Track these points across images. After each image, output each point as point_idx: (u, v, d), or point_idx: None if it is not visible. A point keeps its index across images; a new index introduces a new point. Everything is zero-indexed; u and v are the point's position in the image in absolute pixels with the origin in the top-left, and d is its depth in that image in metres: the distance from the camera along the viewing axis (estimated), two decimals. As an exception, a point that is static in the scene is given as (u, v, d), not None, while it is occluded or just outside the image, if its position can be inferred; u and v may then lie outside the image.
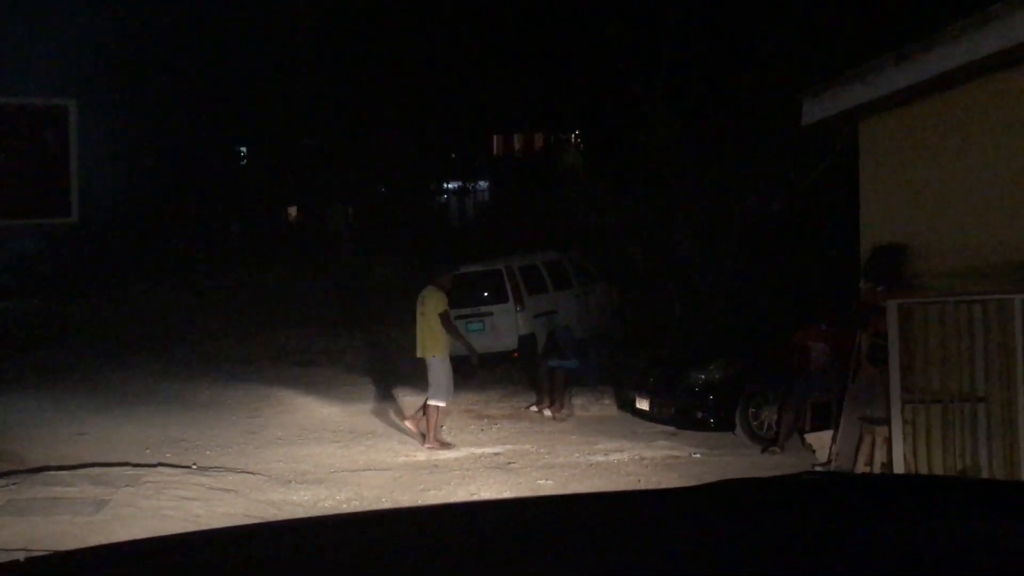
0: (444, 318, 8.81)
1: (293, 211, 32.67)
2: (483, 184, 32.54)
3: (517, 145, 33.05)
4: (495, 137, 33.36)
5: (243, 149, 32.21)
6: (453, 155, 32.21)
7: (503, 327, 13.17)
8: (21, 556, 1.59)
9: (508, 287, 13.29)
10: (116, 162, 22.31)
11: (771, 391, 8.38)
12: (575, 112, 26.35)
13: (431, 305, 8.87)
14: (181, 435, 9.13)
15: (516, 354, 13.10)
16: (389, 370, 14.13)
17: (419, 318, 9.00)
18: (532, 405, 11.07)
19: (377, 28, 26.51)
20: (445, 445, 8.75)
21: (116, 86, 24.76)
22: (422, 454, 8.49)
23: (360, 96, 27.31)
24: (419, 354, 9.05)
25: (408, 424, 9.21)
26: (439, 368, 8.81)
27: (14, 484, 6.35)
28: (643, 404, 9.39)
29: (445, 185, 32.49)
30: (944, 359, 5.77)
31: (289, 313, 19.74)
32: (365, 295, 20.34)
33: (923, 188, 6.72)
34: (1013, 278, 5.83)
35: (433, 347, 8.82)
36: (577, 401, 10.83)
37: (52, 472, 6.82)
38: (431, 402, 8.78)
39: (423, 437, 8.82)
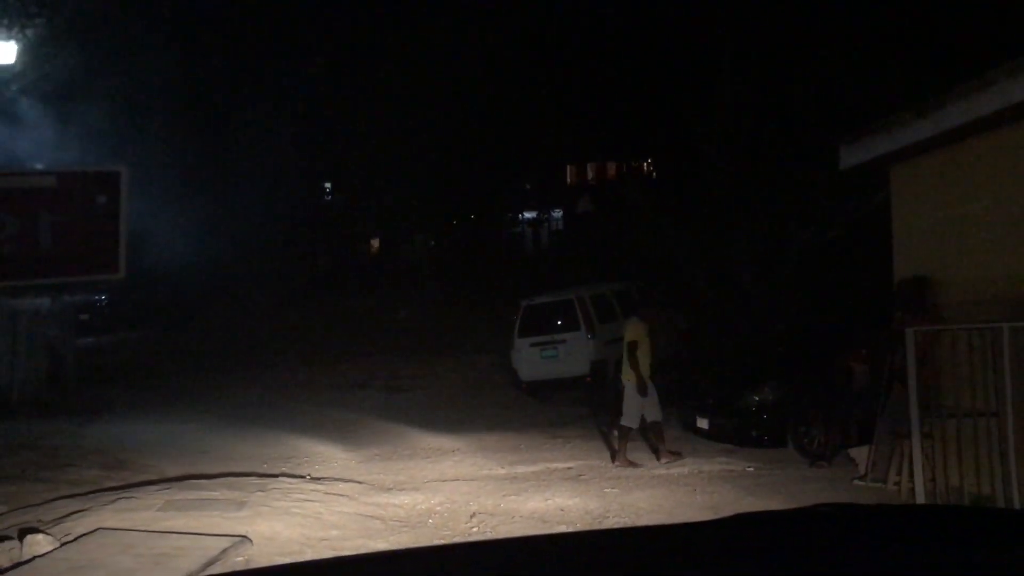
0: (631, 347, 9.52)
1: (375, 243, 34.44)
2: (557, 213, 33.76)
3: (590, 174, 34.16)
4: (569, 167, 34.55)
5: (328, 184, 34.21)
6: (528, 186, 33.54)
7: (576, 353, 14.28)
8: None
9: (580, 316, 14.41)
10: (208, 199, 24.33)
11: (819, 410, 9.27)
12: (645, 142, 27.38)
13: (628, 334, 9.65)
14: (291, 453, 10.51)
15: (589, 379, 14.18)
16: (470, 394, 15.39)
17: (628, 347, 9.66)
18: (603, 426, 12.12)
19: (456, 66, 27.96)
20: (631, 464, 9.34)
21: (211, 127, 26.90)
22: (501, 467, 9.62)
23: (439, 130, 28.74)
24: (622, 378, 9.77)
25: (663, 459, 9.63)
26: (631, 393, 9.48)
27: (166, 489, 7.76)
28: (703, 424, 10.37)
29: (521, 215, 33.80)
30: (956, 379, 6.67)
31: (375, 341, 21.28)
32: (448, 324, 21.70)
33: (944, 227, 7.62)
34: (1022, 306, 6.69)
35: (627, 373, 9.54)
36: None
37: (194, 480, 8.23)
38: (622, 423, 9.55)
39: (613, 454, 9.64)
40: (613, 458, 9.62)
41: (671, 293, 16.31)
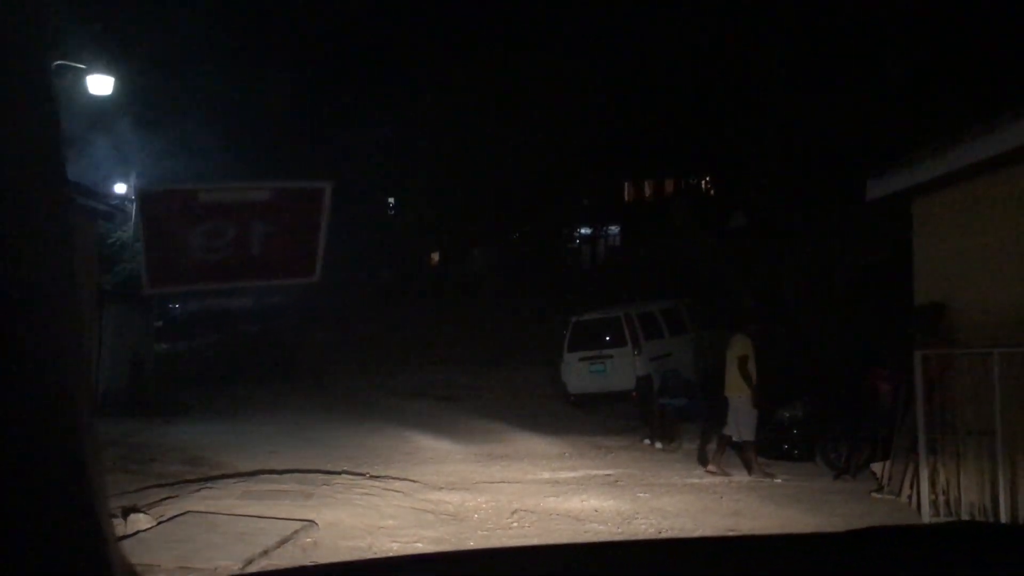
0: (741, 361, 9.88)
1: (435, 256, 35.58)
2: (614, 229, 34.44)
3: (647, 191, 34.76)
4: (626, 183, 35.20)
5: (391, 199, 35.49)
6: (585, 201, 34.28)
7: (622, 369, 15.03)
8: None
9: (627, 333, 15.16)
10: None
11: (845, 426, 9.88)
12: (701, 161, 27.90)
13: (735, 349, 9.98)
14: (352, 454, 11.48)
15: (635, 394, 14.90)
16: (521, 405, 16.25)
17: (727, 361, 10.09)
18: (646, 439, 12.84)
19: (518, 83, 28.79)
20: (768, 475, 9.67)
21: (284, 143, 28.32)
22: (545, 472, 10.44)
23: (500, 146, 29.62)
24: (726, 393, 10.08)
25: (711, 468, 10.15)
26: (745, 408, 9.81)
27: (243, 482, 8.78)
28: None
29: (578, 231, 34.57)
30: (963, 400, 7.28)
31: (433, 352, 22.31)
32: (503, 336, 22.60)
33: (959, 257, 8.22)
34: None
35: (737, 387, 9.91)
36: (685, 435, 12.52)
37: (266, 475, 9.24)
38: (743, 438, 9.84)
39: (748, 469, 9.84)
40: (749, 471, 9.84)
41: (720, 311, 16.95)
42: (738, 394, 9.95)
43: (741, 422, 9.92)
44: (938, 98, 12.16)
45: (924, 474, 7.33)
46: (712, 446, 10.51)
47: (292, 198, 4.78)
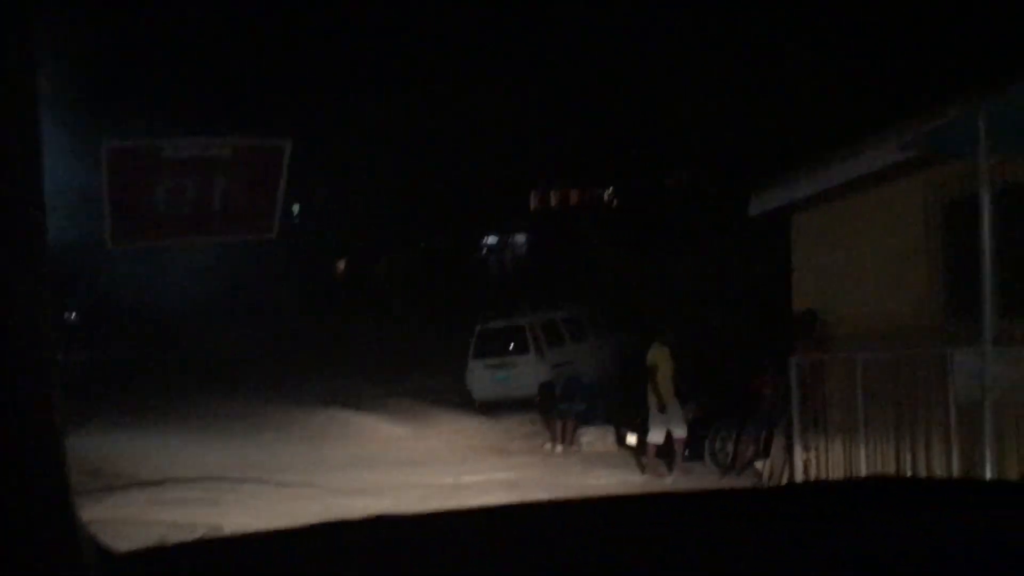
0: (651, 371, 10.52)
1: (341, 265, 35.51)
2: (521, 238, 35.08)
3: (553, 201, 35.53)
4: (532, 193, 35.88)
5: (296, 207, 35.26)
6: (492, 211, 34.81)
7: (525, 376, 15.54)
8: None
9: (530, 341, 15.69)
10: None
11: (731, 428, 10.58)
12: (607, 171, 28.75)
13: (649, 358, 10.61)
14: (260, 461, 11.62)
15: (537, 399, 15.41)
16: (427, 412, 16.56)
17: (650, 371, 10.61)
18: (547, 443, 13.36)
19: (424, 92, 29.01)
20: (660, 475, 10.48)
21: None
22: (448, 477, 10.81)
23: (405, 155, 29.82)
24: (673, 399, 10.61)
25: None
26: (653, 413, 10.54)
27: (148, 490, 8.88)
28: (631, 440, 11.64)
29: (485, 240, 35.08)
30: (830, 401, 8.01)
31: (340, 360, 22.38)
32: (409, 344, 22.85)
33: (830, 269, 9.00)
34: (893, 339, 8.04)
35: (650, 395, 10.58)
36: (584, 439, 13.08)
37: (172, 483, 9.35)
38: (648, 440, 10.56)
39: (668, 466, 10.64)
40: (642, 471, 10.68)
41: (623, 318, 17.65)
42: (677, 404, 10.63)
43: (651, 423, 10.59)
44: (817, 120, 13.07)
45: (799, 468, 8.02)
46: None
47: (252, 155, 4.92)
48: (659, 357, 10.66)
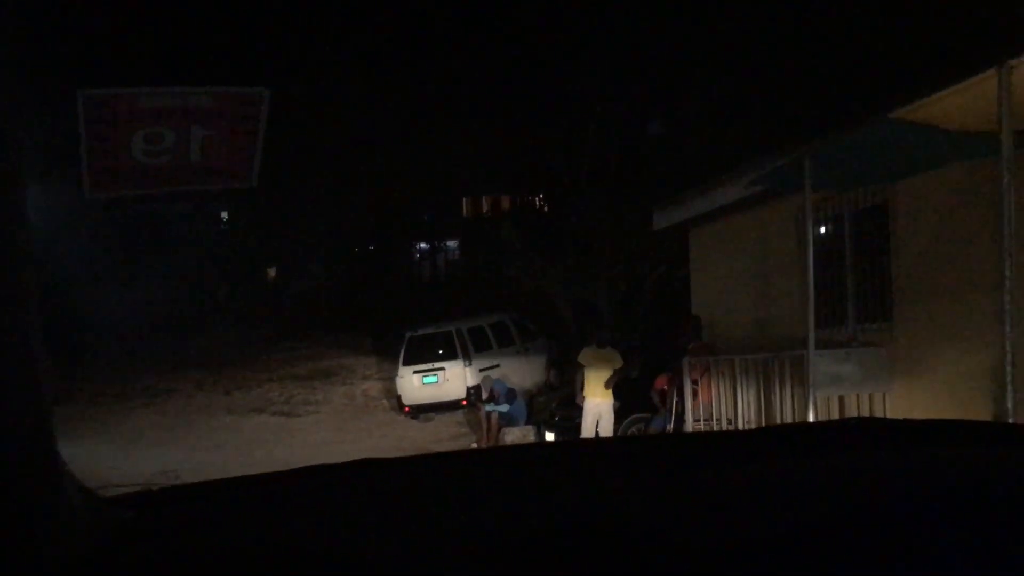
0: (615, 373, 11.45)
1: (272, 271, 35.99)
2: (453, 244, 36.07)
3: (485, 207, 36.58)
4: (464, 199, 36.89)
5: (224, 214, 35.65)
6: (425, 217, 35.73)
7: (453, 380, 16.55)
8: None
9: (458, 346, 16.70)
10: (97, 228, 25.60)
11: (640, 423, 11.75)
12: (532, 179, 29.87)
13: (614, 361, 11.48)
14: (192, 469, 12.40)
15: (464, 402, 16.45)
16: (359, 417, 17.46)
17: (597, 370, 11.43)
18: (473, 443, 14.39)
19: (356, 97, 29.66)
20: None
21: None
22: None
23: (337, 159, 30.43)
24: (598, 398, 11.48)
25: None
26: (607, 411, 11.43)
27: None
28: (550, 437, 12.74)
29: (417, 246, 35.96)
30: (716, 396, 9.21)
31: (271, 368, 23.05)
32: (341, 351, 23.64)
33: (718, 279, 10.23)
34: (769, 345, 9.27)
35: (607, 394, 11.40)
36: (508, 438, 14.13)
37: (113, 489, 10.10)
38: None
39: None
40: None
41: (544, 323, 18.79)
42: (607, 400, 11.58)
43: (604, 426, 11.59)
44: (707, 149, 14.35)
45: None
46: None
47: (230, 104, 4.90)
48: (588, 357, 11.71)
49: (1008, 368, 4.59)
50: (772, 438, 1.92)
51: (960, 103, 5.11)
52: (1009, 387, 4.56)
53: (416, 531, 1.13)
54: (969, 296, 6.46)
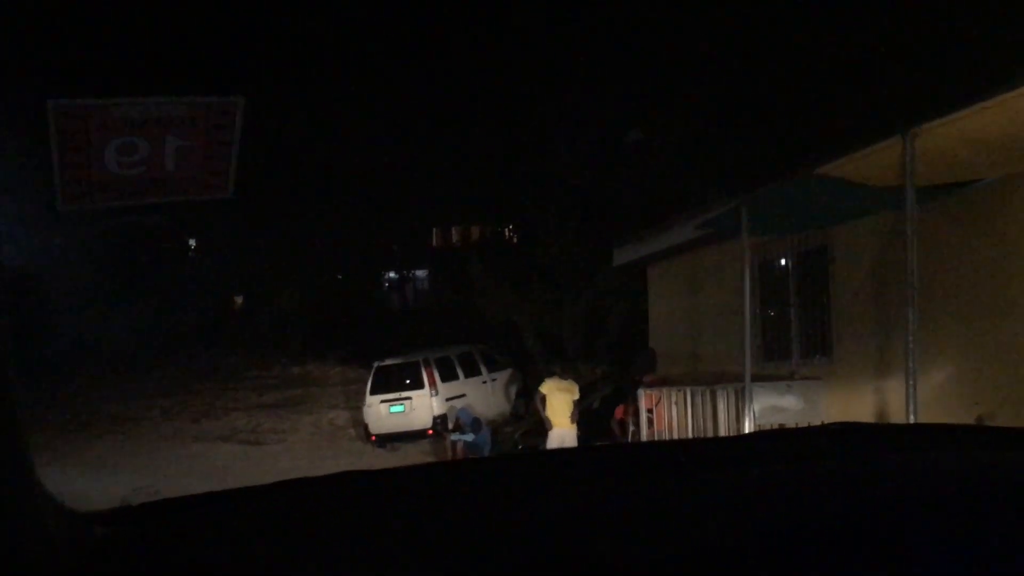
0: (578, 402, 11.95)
1: (239, 300, 36.19)
2: (422, 274, 36.56)
3: (455, 237, 37.16)
4: (434, 230, 37.45)
5: (192, 241, 35.87)
6: (395, 247, 36.19)
7: (420, 409, 17.01)
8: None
9: (425, 376, 17.18)
10: (65, 253, 25.79)
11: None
12: (501, 211, 30.53)
13: (575, 392, 11.89)
14: (160, 494, 12.71)
15: (431, 431, 16.90)
16: (326, 446, 17.84)
17: (561, 400, 11.82)
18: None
19: (330, 127, 30.11)
20: None
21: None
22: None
23: (306, 188, 30.84)
24: (564, 426, 11.83)
25: None
26: (571, 438, 11.72)
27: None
28: (513, 466, 13.24)
29: (386, 275, 36.40)
30: (669, 423, 9.80)
31: (239, 396, 23.32)
32: (308, 380, 23.99)
33: (672, 315, 10.87)
34: (722, 378, 9.89)
35: (571, 422, 11.77)
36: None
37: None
38: None
39: None
40: None
41: (511, 354, 19.30)
42: (572, 430, 11.96)
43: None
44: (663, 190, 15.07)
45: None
46: None
47: (204, 114, 4.85)
48: (548, 388, 12.17)
49: (911, 402, 5.21)
50: (756, 444, 1.94)
51: (876, 161, 5.77)
52: (912, 417, 5.17)
53: (398, 543, 1.13)
54: (892, 332, 7.12)
